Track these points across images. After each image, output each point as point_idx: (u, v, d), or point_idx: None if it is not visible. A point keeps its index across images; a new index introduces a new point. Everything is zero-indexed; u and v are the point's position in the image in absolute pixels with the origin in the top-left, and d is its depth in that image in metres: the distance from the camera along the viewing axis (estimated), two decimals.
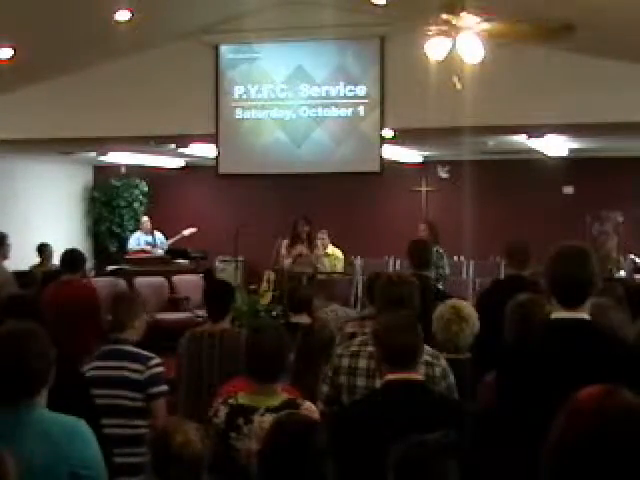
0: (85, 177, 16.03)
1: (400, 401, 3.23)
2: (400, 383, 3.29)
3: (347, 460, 3.02)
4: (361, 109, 10.63)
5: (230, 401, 3.45)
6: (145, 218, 13.76)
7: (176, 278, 12.19)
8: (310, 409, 3.42)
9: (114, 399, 4.25)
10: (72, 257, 7.06)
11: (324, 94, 10.72)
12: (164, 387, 4.39)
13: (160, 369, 4.39)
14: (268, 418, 3.27)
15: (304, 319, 5.57)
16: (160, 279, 11.97)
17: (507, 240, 6.26)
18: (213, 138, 11.09)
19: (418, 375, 3.33)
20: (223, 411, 3.42)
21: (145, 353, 4.43)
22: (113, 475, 3.10)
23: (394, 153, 12.56)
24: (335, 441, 2.89)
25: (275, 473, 2.71)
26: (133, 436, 4.25)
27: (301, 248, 10.28)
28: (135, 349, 4.44)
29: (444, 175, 14.86)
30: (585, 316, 3.02)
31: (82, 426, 2.77)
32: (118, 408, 4.23)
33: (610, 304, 3.96)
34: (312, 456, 2.70)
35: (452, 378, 3.88)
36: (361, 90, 10.59)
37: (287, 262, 10.31)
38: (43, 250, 11.08)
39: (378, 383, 3.72)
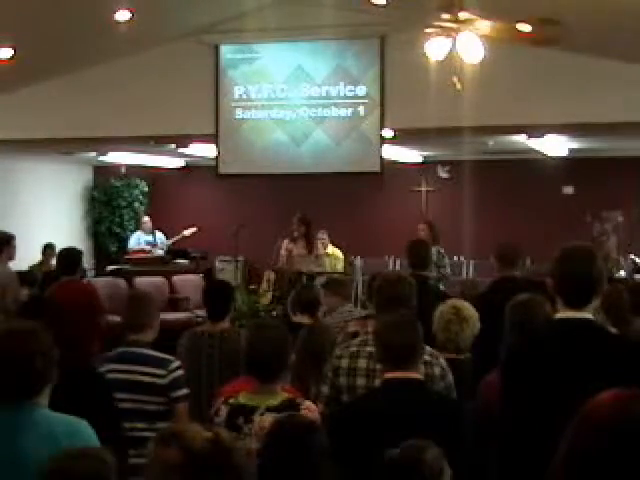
0: (85, 177, 16.02)
1: (398, 400, 3.23)
2: (398, 382, 3.30)
3: (346, 459, 3.02)
4: (361, 109, 10.63)
5: (231, 401, 3.45)
6: (146, 218, 13.75)
7: (176, 278, 12.18)
8: (310, 408, 3.42)
9: (137, 403, 4.18)
10: (68, 258, 7.04)
11: (324, 94, 10.73)
12: (185, 390, 4.32)
13: (181, 372, 4.32)
14: (268, 417, 3.28)
15: (306, 319, 5.57)
16: (160, 279, 11.96)
17: (498, 242, 6.32)
18: (213, 138, 11.09)
19: (417, 374, 3.33)
20: (224, 411, 3.42)
21: (165, 356, 4.35)
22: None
23: (394, 153, 12.56)
24: (334, 440, 2.89)
25: (274, 474, 2.71)
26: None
27: (291, 247, 10.25)
28: (154, 352, 4.35)
29: (444, 175, 14.85)
30: (590, 316, 3.04)
31: (84, 426, 2.76)
32: (141, 412, 4.16)
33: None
34: (311, 457, 2.71)
35: (451, 378, 3.87)
36: (361, 90, 10.60)
37: (282, 261, 10.30)
38: (46, 250, 11.08)
39: (378, 383, 3.73)
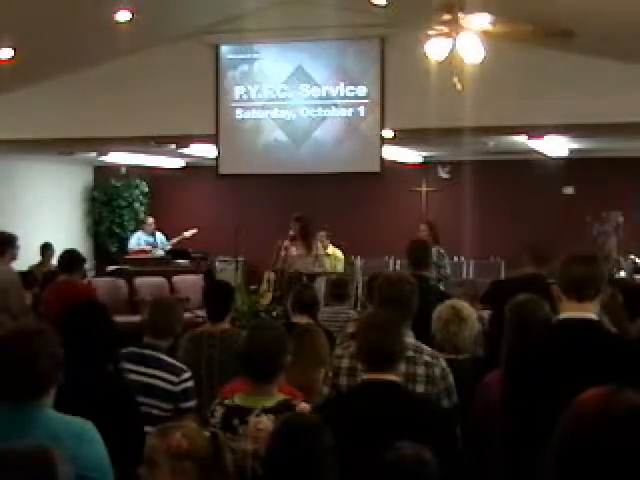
0: (85, 177, 16.02)
1: (369, 403, 3.20)
2: (372, 384, 3.27)
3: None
4: (361, 109, 10.63)
5: (226, 402, 3.45)
6: (150, 219, 13.74)
7: (176, 278, 12.18)
8: (305, 410, 3.42)
9: (144, 407, 4.10)
10: (68, 258, 7.04)
11: (324, 94, 10.73)
12: (194, 402, 4.28)
13: (191, 383, 4.28)
14: (263, 419, 3.27)
15: (305, 320, 5.57)
16: (160, 279, 11.97)
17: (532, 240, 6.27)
18: (213, 138, 11.09)
19: (393, 376, 3.29)
20: (219, 412, 3.42)
21: (178, 365, 4.31)
22: None
23: (394, 153, 12.55)
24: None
25: (281, 473, 2.71)
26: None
27: (288, 245, 10.25)
28: (169, 359, 4.32)
29: (444, 175, 14.85)
30: (593, 316, 3.07)
31: (90, 427, 2.75)
32: (147, 416, 4.06)
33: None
34: (317, 456, 2.71)
35: (451, 379, 3.87)
36: (361, 90, 10.60)
37: (280, 262, 10.29)
38: (45, 250, 11.09)
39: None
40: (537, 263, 5.76)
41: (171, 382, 4.19)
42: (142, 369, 4.23)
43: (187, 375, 4.27)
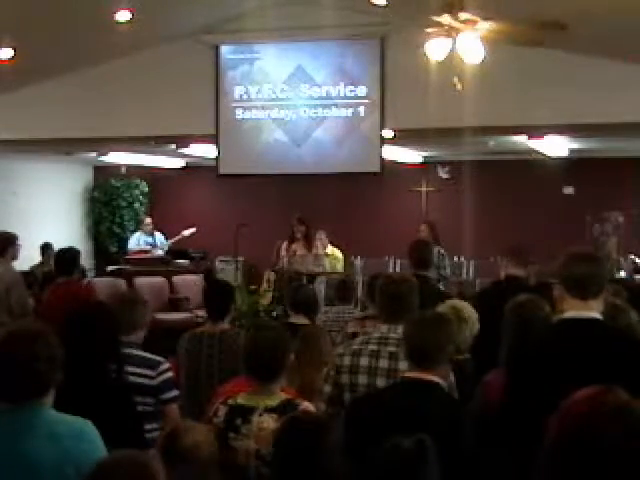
0: (85, 177, 16.03)
1: (405, 401, 3.22)
2: (409, 383, 3.30)
3: (351, 456, 3.03)
4: (361, 109, 10.63)
5: (229, 401, 3.45)
6: (148, 220, 13.74)
7: (176, 278, 12.18)
8: (308, 409, 3.42)
9: None
10: (64, 259, 7.03)
11: (324, 94, 10.73)
12: (176, 392, 4.29)
13: (170, 374, 4.28)
14: (266, 418, 3.28)
15: (302, 320, 5.57)
16: (160, 279, 11.97)
17: (510, 241, 6.29)
18: (213, 138, 11.09)
19: (432, 376, 3.30)
20: (222, 411, 3.42)
21: (155, 358, 4.30)
22: None
23: (394, 153, 12.55)
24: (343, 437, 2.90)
25: (288, 471, 2.72)
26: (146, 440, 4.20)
27: (295, 247, 10.27)
28: (144, 353, 4.31)
29: (444, 175, 14.86)
30: (598, 315, 3.09)
31: (89, 427, 2.76)
32: None
33: (625, 305, 4.03)
34: (325, 454, 2.71)
35: (452, 379, 3.87)
36: (361, 90, 10.60)
37: (284, 262, 10.30)
38: (45, 250, 11.09)
39: (379, 381, 3.73)
40: (519, 264, 5.79)
41: (149, 377, 4.18)
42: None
43: (165, 366, 4.26)
